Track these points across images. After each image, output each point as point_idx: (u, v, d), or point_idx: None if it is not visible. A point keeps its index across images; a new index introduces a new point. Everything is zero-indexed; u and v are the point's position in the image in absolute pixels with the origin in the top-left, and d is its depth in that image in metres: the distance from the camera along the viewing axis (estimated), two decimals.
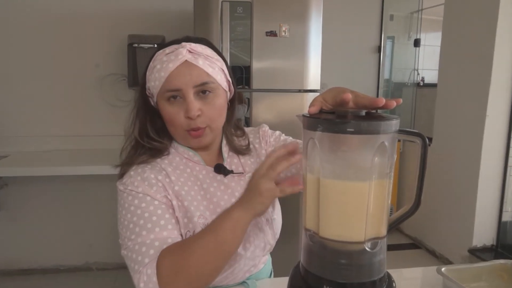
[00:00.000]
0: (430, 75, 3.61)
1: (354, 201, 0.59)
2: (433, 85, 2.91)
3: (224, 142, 0.89)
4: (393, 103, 0.57)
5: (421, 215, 2.94)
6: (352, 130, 0.56)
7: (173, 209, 0.77)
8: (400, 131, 0.60)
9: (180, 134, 0.80)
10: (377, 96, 3.51)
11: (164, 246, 0.70)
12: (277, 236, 0.90)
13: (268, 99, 2.12)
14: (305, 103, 2.14)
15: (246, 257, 0.83)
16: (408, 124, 3.55)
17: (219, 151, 0.89)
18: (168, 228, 0.72)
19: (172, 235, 0.72)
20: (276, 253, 0.98)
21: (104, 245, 2.54)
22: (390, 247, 2.94)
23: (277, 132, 0.95)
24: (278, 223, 0.89)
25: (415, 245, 3.01)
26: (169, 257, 0.67)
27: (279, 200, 0.76)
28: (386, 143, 0.58)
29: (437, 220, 2.77)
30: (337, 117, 0.59)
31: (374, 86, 3.42)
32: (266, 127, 0.96)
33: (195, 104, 0.76)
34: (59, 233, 2.52)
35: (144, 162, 0.79)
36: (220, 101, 0.81)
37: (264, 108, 2.13)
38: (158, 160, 0.81)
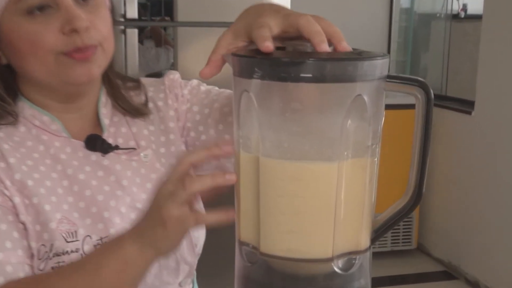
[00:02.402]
0: (475, 1, 3.70)
1: (316, 193, 0.60)
2: (480, 17, 3.00)
3: (102, 98, 0.90)
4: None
5: (456, 230, 3.09)
6: (310, 76, 0.56)
7: (16, 212, 0.78)
8: (390, 78, 0.61)
9: (52, 66, 0.79)
10: (389, 39, 3.58)
11: (1, 279, 0.72)
12: (199, 250, 0.92)
13: (203, 39, 2.11)
14: None
15: (146, 284, 0.83)
16: (439, 80, 3.65)
17: (95, 114, 0.89)
18: (6, 247, 0.74)
19: (13, 259, 0.74)
20: (204, 281, 0.98)
21: None
22: (412, 278, 3.09)
23: (194, 81, 0.96)
24: (198, 229, 0.90)
25: (448, 274, 3.15)
26: None
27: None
28: (366, 97, 0.59)
29: (480, 237, 2.90)
30: (287, 55, 0.59)
31: (385, 19, 3.49)
32: (175, 75, 0.97)
33: (80, 11, 0.77)
34: None
35: None
36: (106, 13, 0.84)
37: (196, 53, 2.13)
38: None
